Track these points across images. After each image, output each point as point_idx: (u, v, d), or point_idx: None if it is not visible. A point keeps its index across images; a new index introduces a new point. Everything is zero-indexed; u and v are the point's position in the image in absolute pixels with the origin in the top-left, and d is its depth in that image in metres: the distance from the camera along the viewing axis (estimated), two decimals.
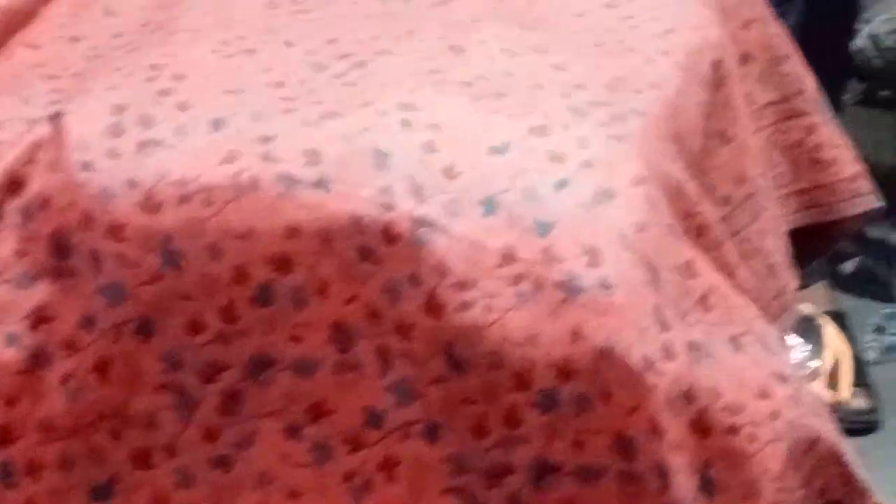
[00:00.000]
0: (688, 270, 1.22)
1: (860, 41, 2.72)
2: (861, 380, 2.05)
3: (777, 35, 1.68)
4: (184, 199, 1.18)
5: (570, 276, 1.15)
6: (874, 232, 2.21)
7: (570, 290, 1.14)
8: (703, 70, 1.42)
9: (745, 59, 1.62)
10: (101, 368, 1.20)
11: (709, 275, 1.24)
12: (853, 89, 2.73)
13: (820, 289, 2.10)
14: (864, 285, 2.27)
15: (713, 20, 1.50)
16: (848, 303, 2.18)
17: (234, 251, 1.18)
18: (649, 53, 1.38)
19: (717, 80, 1.45)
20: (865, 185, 1.74)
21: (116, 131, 1.22)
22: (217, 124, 1.22)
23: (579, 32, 1.41)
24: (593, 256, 1.15)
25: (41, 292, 1.21)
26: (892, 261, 2.28)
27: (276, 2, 1.49)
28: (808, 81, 1.71)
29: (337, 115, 1.23)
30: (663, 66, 1.37)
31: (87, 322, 1.20)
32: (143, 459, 1.22)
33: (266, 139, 1.21)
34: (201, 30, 1.38)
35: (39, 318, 1.21)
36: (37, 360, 1.21)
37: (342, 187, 1.18)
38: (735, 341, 1.22)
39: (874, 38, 2.71)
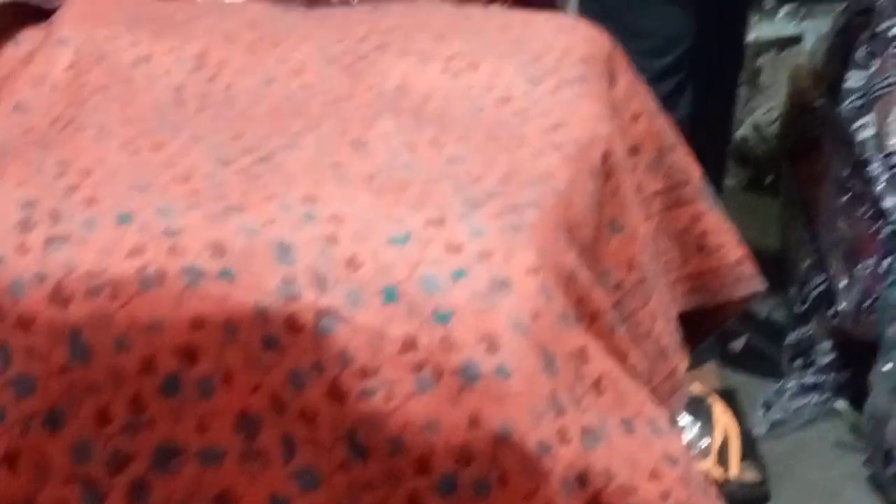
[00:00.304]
0: (581, 356, 1.23)
1: (744, 130, 2.77)
2: (751, 454, 2.06)
3: (664, 127, 1.70)
4: (91, 293, 1.17)
5: (469, 364, 1.15)
6: (761, 311, 2.23)
7: (468, 377, 1.15)
8: (593, 162, 1.43)
9: (634, 150, 1.64)
10: (11, 460, 1.18)
11: (602, 360, 1.25)
12: (739, 175, 2.77)
13: (710, 367, 2.11)
14: (753, 363, 2.29)
15: (602, 114, 1.51)
16: (737, 379, 2.20)
17: (142, 343, 1.17)
18: (541, 147, 1.39)
19: (606, 172, 1.46)
20: (749, 268, 1.76)
21: (26, 226, 1.21)
22: (124, 219, 1.22)
23: (474, 127, 1.42)
24: (491, 344, 1.16)
25: None
26: (779, 338, 2.30)
27: (183, 98, 1.49)
28: (694, 171, 1.73)
29: (241, 209, 1.23)
30: (555, 159, 1.38)
31: None
32: None
33: (172, 233, 1.20)
34: (109, 126, 1.38)
35: None
36: None
37: (246, 279, 1.17)
38: (627, 424, 1.23)
39: (757, 128, 2.76)
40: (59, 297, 1.17)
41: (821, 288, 2.29)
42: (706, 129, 2.12)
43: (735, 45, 2.38)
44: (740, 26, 2.39)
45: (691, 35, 2.10)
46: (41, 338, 1.17)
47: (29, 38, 1.58)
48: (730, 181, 2.63)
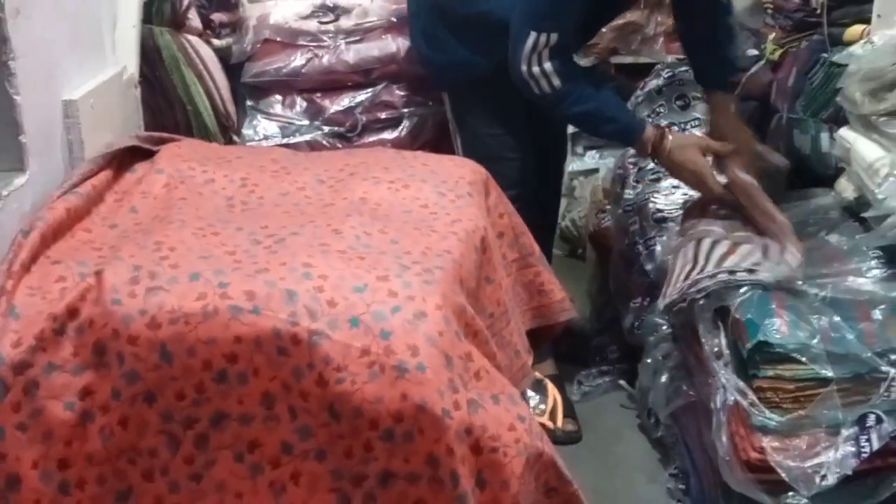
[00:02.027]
0: (468, 358, 1.21)
1: (566, 222, 2.77)
2: (570, 413, 2.04)
3: (518, 222, 1.69)
4: (173, 321, 1.15)
5: (401, 363, 1.14)
6: (576, 327, 2.20)
7: (400, 371, 1.13)
8: (475, 242, 1.42)
9: (500, 235, 1.62)
10: (123, 422, 1.16)
11: (480, 360, 1.24)
12: (563, 248, 2.77)
13: (546, 361, 2.09)
14: (572, 358, 2.26)
15: (481, 214, 1.51)
16: (562, 368, 2.17)
17: (203, 351, 1.15)
18: (445, 233, 1.38)
19: (483, 248, 1.45)
20: (568, 304, 1.75)
21: (134, 281, 1.18)
22: (194, 277, 1.19)
23: (406, 221, 1.40)
24: (414, 351, 1.15)
25: (87, 378, 1.16)
26: (586, 344, 2.29)
27: (232, 203, 1.47)
28: (535, 247, 1.72)
29: (265, 271, 1.21)
30: (453, 241, 1.37)
31: (115, 394, 1.15)
32: (148, 476, 1.17)
33: (223, 285, 1.18)
34: (186, 221, 1.35)
35: (85, 393, 1.15)
36: (84, 416, 1.15)
37: (268, 313, 1.15)
38: (495, 398, 1.21)
39: (573, 221, 2.76)
40: (154, 323, 1.15)
41: (609, 314, 2.29)
42: (543, 224, 2.11)
43: (556, 177, 2.35)
44: (561, 164, 2.38)
45: (527, 180, 2.05)
46: (142, 349, 1.15)
47: (140, 168, 1.55)
48: (558, 252, 2.63)
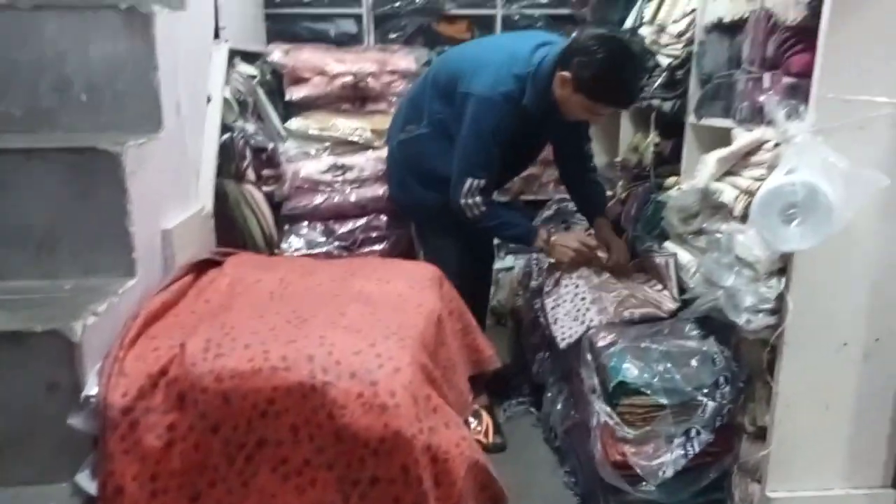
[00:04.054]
0: (428, 398, 1.19)
1: (494, 303, 2.71)
2: (498, 430, 1.99)
3: (461, 304, 1.66)
4: (231, 377, 1.12)
5: (384, 402, 1.12)
6: (501, 372, 2.16)
7: (383, 408, 1.12)
8: (433, 319, 1.41)
9: (450, 313, 1.59)
10: (196, 447, 1.12)
11: (436, 399, 1.21)
12: (492, 320, 2.72)
13: (482, 396, 2.04)
14: (498, 392, 2.21)
15: (437, 300, 1.49)
16: (494, 400, 2.12)
17: (252, 397, 1.12)
18: (413, 314, 1.37)
19: (439, 322, 1.43)
20: (495, 357, 1.70)
21: (206, 350, 1.16)
22: (246, 346, 1.17)
23: (388, 306, 1.39)
24: (392, 394, 1.13)
25: (172, 417, 1.12)
26: (508, 383, 2.25)
27: (273, 295, 1.44)
28: (473, 320, 1.69)
29: (294, 341, 1.19)
30: (419, 318, 1.36)
31: (190, 428, 1.12)
32: (212, 484, 1.13)
33: (265, 351, 1.16)
34: (242, 308, 1.33)
35: (170, 428, 1.12)
36: (169, 443, 1.12)
37: (295, 370, 1.13)
38: (447, 425, 1.19)
39: (499, 301, 2.72)
40: (218, 378, 1.12)
41: (522, 363, 2.25)
42: (479, 304, 2.11)
43: (488, 272, 2.37)
44: (490, 264, 2.40)
45: (467, 275, 1.99)
46: (210, 396, 1.12)
47: (212, 272, 1.52)
48: (489, 322, 2.61)
